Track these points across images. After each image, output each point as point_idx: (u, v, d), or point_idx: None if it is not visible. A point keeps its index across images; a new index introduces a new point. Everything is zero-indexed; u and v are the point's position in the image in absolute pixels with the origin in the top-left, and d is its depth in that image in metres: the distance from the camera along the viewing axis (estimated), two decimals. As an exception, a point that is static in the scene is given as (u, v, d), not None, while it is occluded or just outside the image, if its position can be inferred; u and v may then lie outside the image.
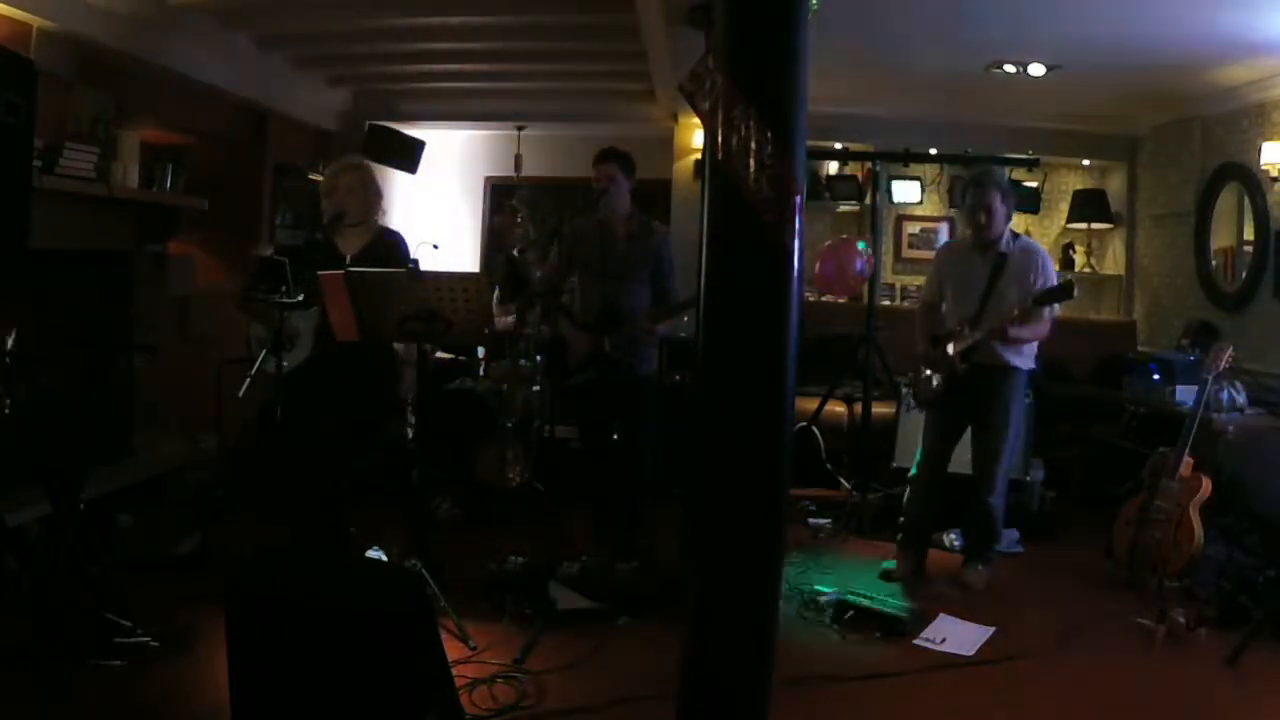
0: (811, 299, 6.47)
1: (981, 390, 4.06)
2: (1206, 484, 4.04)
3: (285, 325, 3.96)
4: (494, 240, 7.46)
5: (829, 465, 5.47)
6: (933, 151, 6.30)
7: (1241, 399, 4.69)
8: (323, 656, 2.28)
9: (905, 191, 6.98)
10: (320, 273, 3.54)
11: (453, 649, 3.07)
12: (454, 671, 2.54)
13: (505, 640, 3.34)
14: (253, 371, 4.34)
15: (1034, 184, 6.84)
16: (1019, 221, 5.30)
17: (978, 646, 3.48)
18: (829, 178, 7.04)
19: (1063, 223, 7.13)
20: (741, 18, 2.26)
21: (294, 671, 2.31)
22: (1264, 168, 5.14)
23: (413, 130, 6.86)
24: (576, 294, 4.26)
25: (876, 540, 4.71)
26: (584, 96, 6.64)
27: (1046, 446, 5.18)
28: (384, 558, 3.91)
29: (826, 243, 6.28)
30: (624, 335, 4.12)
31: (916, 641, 3.52)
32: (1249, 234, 5.46)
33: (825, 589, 3.90)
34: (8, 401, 3.20)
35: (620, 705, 2.92)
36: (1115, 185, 7.03)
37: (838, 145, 6.69)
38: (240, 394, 4.45)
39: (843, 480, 5.38)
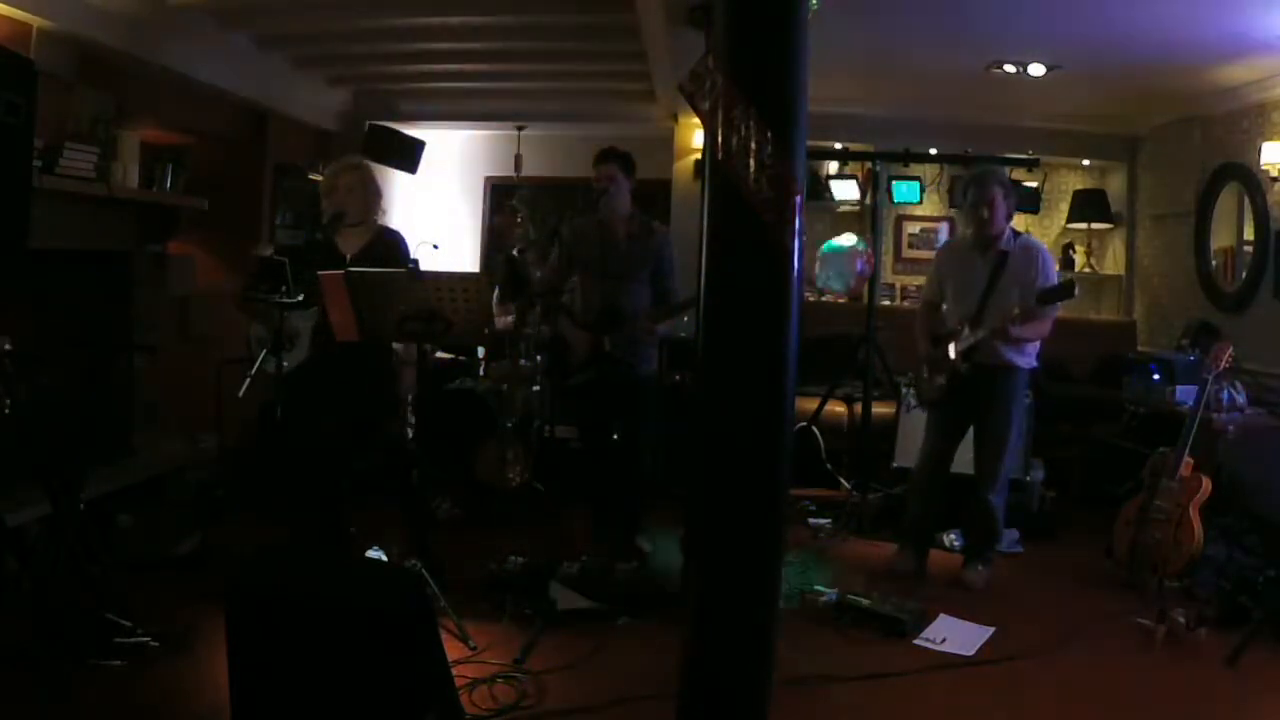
0: (811, 299, 6.47)
1: (983, 389, 4.07)
2: (1206, 484, 4.03)
3: (285, 325, 3.96)
4: (494, 240, 7.46)
5: (829, 465, 5.47)
6: (933, 151, 6.29)
7: (1241, 399, 4.68)
8: (323, 656, 2.28)
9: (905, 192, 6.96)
10: (320, 273, 3.54)
11: (453, 649, 3.06)
12: (454, 671, 2.54)
13: (505, 640, 3.34)
14: (253, 371, 4.35)
15: (1034, 184, 6.83)
16: (1019, 222, 5.30)
17: (978, 646, 3.48)
18: (829, 177, 7.03)
19: (1063, 223, 7.14)
20: (741, 18, 2.26)
21: (294, 671, 2.31)
22: (1264, 168, 5.14)
23: (413, 130, 6.86)
24: (577, 294, 4.27)
25: (876, 540, 4.70)
26: (584, 96, 6.63)
27: (1046, 446, 5.18)
28: (384, 558, 3.91)
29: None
30: (624, 335, 4.12)
31: (916, 641, 3.51)
32: (1249, 234, 5.46)
33: (825, 589, 3.90)
34: (8, 401, 3.19)
35: (620, 705, 2.92)
36: (1115, 185, 7.03)
37: (838, 145, 6.69)
38: (240, 394, 4.46)
39: (843, 480, 5.38)
